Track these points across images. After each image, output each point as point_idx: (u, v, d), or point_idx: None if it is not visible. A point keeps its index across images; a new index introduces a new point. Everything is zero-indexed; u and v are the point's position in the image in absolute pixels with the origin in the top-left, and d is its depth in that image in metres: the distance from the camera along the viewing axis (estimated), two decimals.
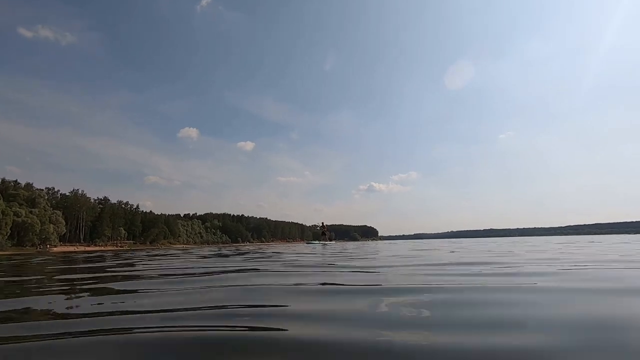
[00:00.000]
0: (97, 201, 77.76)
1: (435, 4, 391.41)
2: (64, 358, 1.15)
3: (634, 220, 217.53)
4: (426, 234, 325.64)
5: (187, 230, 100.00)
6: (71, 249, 55.29)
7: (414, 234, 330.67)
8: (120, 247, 66.79)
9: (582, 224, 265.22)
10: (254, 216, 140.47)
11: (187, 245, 79.04)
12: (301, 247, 19.61)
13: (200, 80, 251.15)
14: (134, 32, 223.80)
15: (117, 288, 2.90)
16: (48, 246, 56.22)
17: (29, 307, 2.11)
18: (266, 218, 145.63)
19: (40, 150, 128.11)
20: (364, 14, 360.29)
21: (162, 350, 1.20)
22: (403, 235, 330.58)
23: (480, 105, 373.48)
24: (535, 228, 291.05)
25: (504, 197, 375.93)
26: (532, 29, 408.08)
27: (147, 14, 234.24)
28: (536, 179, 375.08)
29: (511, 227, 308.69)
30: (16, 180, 61.01)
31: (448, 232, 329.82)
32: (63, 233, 62.82)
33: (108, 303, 2.14)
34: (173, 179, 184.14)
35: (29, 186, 62.28)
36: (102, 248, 60.34)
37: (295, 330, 1.37)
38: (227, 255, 8.63)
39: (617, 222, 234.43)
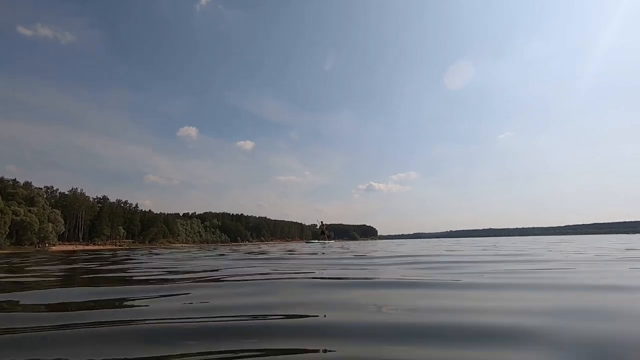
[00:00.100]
0: (96, 200, 77.81)
1: (435, 4, 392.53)
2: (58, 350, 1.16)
3: (634, 220, 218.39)
4: (425, 233, 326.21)
5: (186, 230, 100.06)
6: (70, 247, 55.29)
7: (413, 234, 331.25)
8: (119, 246, 66.77)
9: (581, 223, 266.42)
10: (254, 215, 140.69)
11: (185, 245, 79.03)
12: (299, 246, 19.60)
13: (200, 80, 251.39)
14: (134, 31, 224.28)
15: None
16: (47, 245, 56.23)
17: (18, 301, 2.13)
18: (265, 217, 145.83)
19: (39, 149, 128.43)
20: (364, 14, 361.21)
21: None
22: (402, 234, 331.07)
23: (480, 105, 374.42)
24: (534, 228, 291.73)
25: (503, 197, 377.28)
26: (532, 29, 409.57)
27: (146, 12, 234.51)
28: (536, 179, 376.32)
29: (511, 227, 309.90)
30: (15, 179, 61.13)
31: (447, 231, 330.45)
32: (62, 232, 62.86)
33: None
34: (172, 178, 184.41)
35: (27, 185, 62.29)
36: (101, 247, 60.34)
37: None
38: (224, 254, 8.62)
39: (617, 222, 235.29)
